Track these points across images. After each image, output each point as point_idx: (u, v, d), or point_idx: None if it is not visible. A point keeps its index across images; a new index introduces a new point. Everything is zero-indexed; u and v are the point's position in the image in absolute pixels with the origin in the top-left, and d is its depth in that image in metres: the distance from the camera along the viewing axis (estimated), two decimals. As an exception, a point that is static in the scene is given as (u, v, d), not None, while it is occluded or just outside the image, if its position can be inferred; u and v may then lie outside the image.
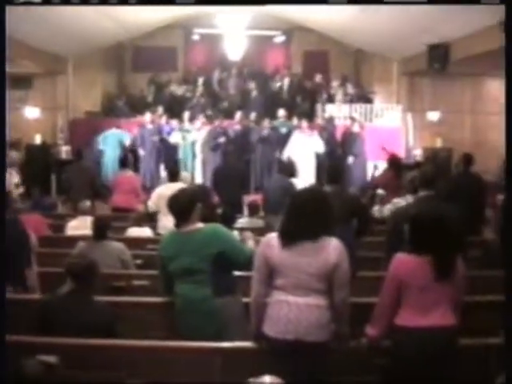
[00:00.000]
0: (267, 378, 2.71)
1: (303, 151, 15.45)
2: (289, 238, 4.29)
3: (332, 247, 4.27)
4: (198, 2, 10.17)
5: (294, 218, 4.33)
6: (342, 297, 4.32)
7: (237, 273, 5.41)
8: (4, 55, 5.65)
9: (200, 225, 5.15)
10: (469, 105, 20.59)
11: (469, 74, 19.64)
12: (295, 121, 16.89)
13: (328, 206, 4.43)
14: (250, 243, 5.58)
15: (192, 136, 16.26)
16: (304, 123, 16.01)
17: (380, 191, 11.62)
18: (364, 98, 19.19)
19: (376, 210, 7.29)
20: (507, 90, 4.36)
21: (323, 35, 19.62)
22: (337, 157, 15.92)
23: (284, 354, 4.24)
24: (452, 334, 4.38)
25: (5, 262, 5.02)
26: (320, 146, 15.73)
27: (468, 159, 10.12)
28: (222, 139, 15.71)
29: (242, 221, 9.92)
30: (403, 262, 4.43)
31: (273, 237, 4.39)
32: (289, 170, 10.20)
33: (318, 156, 15.65)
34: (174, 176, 9.81)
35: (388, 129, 17.83)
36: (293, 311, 4.23)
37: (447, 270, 4.33)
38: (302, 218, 4.28)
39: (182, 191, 5.33)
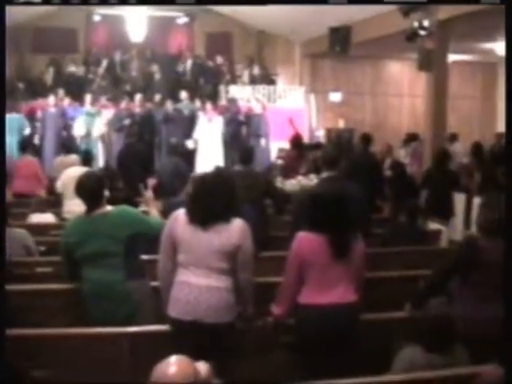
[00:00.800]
0: (172, 359, 2.71)
1: (209, 133, 15.50)
2: (195, 217, 4.31)
3: (236, 227, 4.32)
4: (197, 1, 10.13)
5: (201, 198, 4.36)
6: (246, 277, 4.37)
7: (144, 257, 5.41)
8: (4, 55, 5.55)
9: (108, 208, 5.12)
10: (369, 86, 21.07)
11: (369, 57, 20.07)
12: (198, 103, 16.86)
13: (233, 188, 4.49)
14: (154, 212, 5.60)
15: (96, 119, 15.93)
16: (208, 105, 16.03)
17: (279, 161, 11.81)
18: (267, 79, 19.31)
19: (278, 182, 7.39)
20: (507, 88, 4.47)
21: (226, 17, 19.62)
22: (241, 138, 16.01)
23: (187, 335, 4.27)
24: (353, 310, 4.50)
25: (4, 259, 4.86)
26: (223, 128, 15.80)
27: (366, 139, 10.38)
28: (127, 121, 15.51)
29: (146, 204, 9.85)
30: (305, 240, 4.52)
31: (181, 212, 4.42)
32: (180, 151, 10.15)
33: (224, 137, 15.71)
34: (86, 160, 9.68)
35: (291, 110, 17.98)
36: (193, 293, 4.26)
37: (346, 248, 4.46)
38: (208, 198, 4.31)
39: (89, 175, 5.28)
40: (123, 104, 16.20)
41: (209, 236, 4.27)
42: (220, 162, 14.71)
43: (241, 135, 16.21)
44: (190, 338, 4.24)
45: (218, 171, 5.04)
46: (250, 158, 7.85)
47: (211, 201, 4.30)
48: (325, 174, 6.04)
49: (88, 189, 5.03)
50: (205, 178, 4.58)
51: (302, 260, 4.44)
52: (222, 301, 4.28)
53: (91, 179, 5.13)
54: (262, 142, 16.02)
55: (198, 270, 4.28)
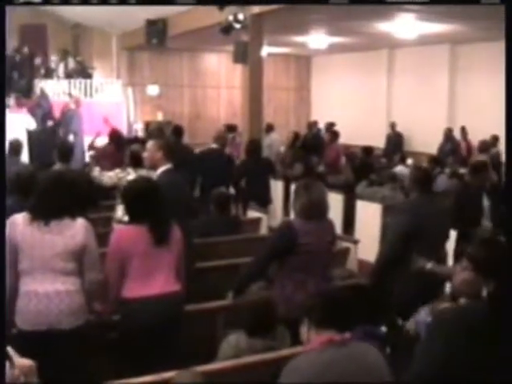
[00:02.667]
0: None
1: (15, 131, 14.95)
2: (35, 215, 4.20)
3: (79, 226, 4.25)
4: (197, 2, 9.64)
5: (43, 196, 4.29)
6: (93, 277, 4.30)
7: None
8: (4, 55, 5.15)
9: None
10: (187, 79, 21.24)
11: (186, 49, 20.22)
12: (12, 99, 16.25)
13: (76, 184, 4.49)
14: None
15: None
16: (12, 101, 15.48)
17: (93, 154, 11.73)
18: (84, 73, 18.96)
19: (96, 175, 7.34)
20: (507, 88, 4.57)
21: (39, 8, 18.97)
22: (55, 135, 15.61)
23: (41, 345, 4.07)
24: (177, 299, 4.56)
25: (4, 260, 4.45)
26: (31, 124, 15.29)
27: (178, 131, 10.60)
28: None
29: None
30: (122, 233, 4.57)
31: (19, 216, 4.25)
32: (17, 149, 9.82)
33: (30, 134, 15.16)
34: None
35: (109, 103, 17.79)
36: (42, 302, 4.13)
37: (164, 235, 4.52)
38: (50, 195, 4.24)
39: None
40: None
41: (52, 237, 4.16)
42: (25, 160, 14.20)
43: (55, 131, 15.75)
44: (44, 347, 4.07)
45: (56, 171, 4.99)
46: (70, 155, 7.77)
47: (55, 196, 4.23)
48: (164, 167, 6.06)
49: None
50: (50, 175, 4.56)
51: (121, 253, 4.44)
52: (72, 304, 4.18)
53: None
54: (71, 137, 15.42)
55: (44, 276, 4.15)
